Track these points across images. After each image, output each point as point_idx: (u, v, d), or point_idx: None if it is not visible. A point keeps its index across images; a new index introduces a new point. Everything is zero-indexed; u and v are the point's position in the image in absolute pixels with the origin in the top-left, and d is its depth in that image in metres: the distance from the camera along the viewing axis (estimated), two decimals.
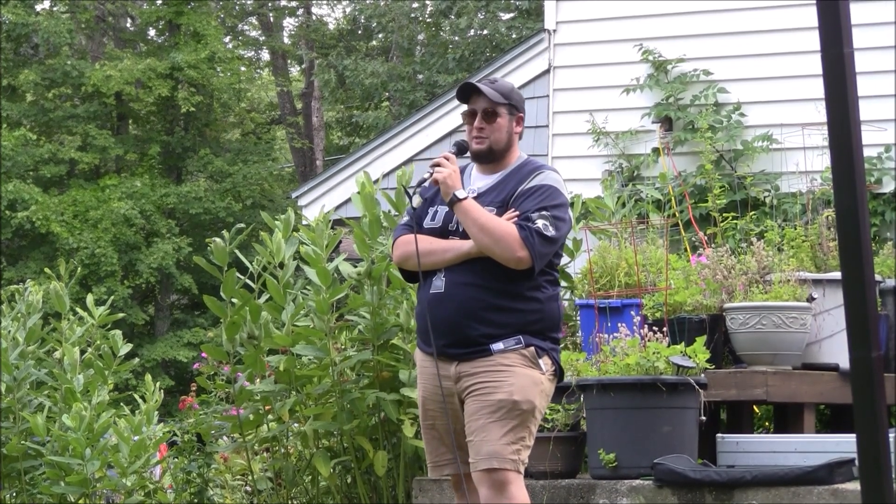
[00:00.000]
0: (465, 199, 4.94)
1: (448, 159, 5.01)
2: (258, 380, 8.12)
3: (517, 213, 4.93)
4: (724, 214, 9.25)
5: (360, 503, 7.80)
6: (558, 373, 5.06)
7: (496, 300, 4.91)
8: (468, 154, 5.14)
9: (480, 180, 5.10)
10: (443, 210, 5.06)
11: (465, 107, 5.13)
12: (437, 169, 4.99)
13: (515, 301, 4.93)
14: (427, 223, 5.09)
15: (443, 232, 5.04)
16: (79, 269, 11.14)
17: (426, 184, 5.04)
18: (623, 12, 10.57)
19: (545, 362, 4.96)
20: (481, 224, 4.90)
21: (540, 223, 4.89)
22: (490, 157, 5.09)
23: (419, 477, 7.31)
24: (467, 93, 5.10)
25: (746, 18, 10.21)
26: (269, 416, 8.08)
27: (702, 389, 6.78)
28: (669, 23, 10.44)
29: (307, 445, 8.01)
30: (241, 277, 8.04)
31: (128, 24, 29.96)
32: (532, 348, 4.93)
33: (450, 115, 11.56)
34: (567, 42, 10.79)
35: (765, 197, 9.69)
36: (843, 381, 7.53)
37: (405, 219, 5.17)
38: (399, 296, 7.65)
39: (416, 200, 5.09)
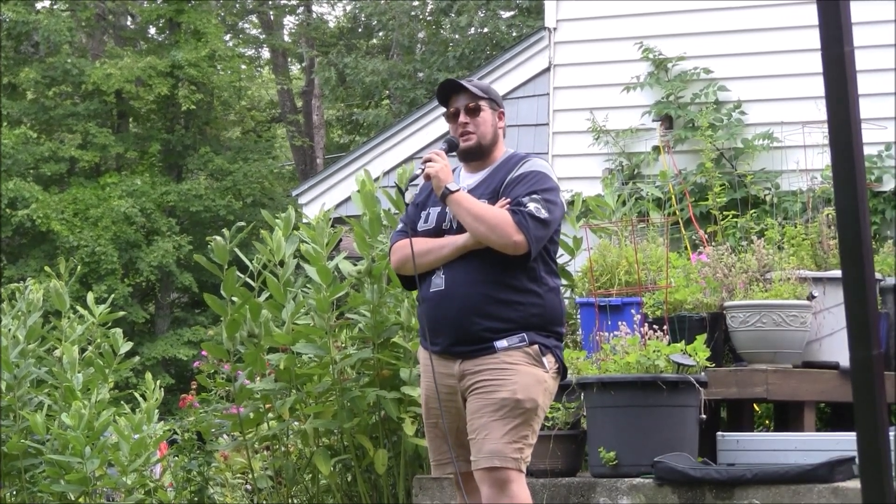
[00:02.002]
0: (457, 190, 4.95)
1: (439, 155, 5.02)
2: (258, 378, 8.11)
3: (509, 200, 4.93)
4: (725, 213, 9.25)
5: (361, 501, 7.80)
6: (562, 370, 5.05)
7: (498, 293, 4.91)
8: (456, 154, 5.15)
9: (469, 178, 5.11)
10: (435, 211, 5.07)
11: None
12: (428, 164, 5.00)
13: (517, 294, 4.92)
14: (421, 226, 5.10)
15: (437, 232, 5.05)
16: (79, 267, 11.12)
17: (419, 179, 5.04)
18: (623, 10, 10.56)
19: (549, 360, 4.95)
20: (475, 213, 4.90)
21: (532, 206, 4.89)
22: (478, 154, 5.09)
23: (419, 475, 7.30)
24: (447, 93, 5.12)
25: (747, 16, 10.21)
26: (270, 415, 8.08)
27: (702, 388, 6.77)
28: (670, 21, 10.43)
29: (307, 444, 8.01)
30: (242, 276, 8.04)
31: (128, 23, 29.95)
32: (536, 346, 4.92)
33: None
34: (567, 40, 10.78)
35: (765, 195, 9.69)
36: (844, 379, 7.52)
37: (400, 225, 5.18)
38: (399, 294, 7.65)
39: (409, 195, 5.11)
